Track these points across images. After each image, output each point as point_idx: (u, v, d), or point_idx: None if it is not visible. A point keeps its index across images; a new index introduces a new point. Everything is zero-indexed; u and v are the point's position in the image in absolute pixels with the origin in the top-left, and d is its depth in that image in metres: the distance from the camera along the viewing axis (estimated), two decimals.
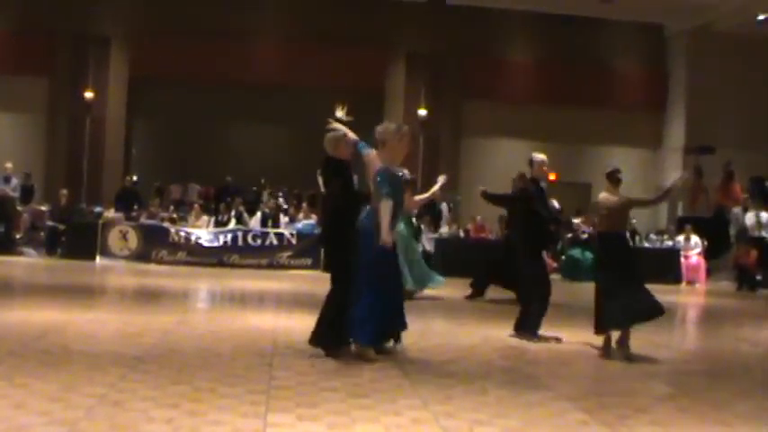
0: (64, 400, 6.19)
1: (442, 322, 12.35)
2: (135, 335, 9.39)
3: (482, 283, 15.55)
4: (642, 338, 10.44)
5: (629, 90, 28.73)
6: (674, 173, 27.79)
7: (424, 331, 10.66)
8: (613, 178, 10.17)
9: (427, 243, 21.19)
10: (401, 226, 13.10)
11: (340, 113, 9.84)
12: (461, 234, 23.41)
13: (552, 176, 28.39)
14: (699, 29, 27.55)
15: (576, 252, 21.87)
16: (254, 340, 9.45)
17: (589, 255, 20.65)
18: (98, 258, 20.72)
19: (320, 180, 9.18)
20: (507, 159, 24.90)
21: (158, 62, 26.27)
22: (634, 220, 24.31)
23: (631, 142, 28.57)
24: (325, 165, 8.96)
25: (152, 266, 20.15)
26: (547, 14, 27.39)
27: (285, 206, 24.04)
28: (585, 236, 21.74)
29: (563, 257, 22.57)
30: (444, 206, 23.83)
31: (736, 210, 24.22)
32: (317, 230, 21.19)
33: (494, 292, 15.49)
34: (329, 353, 8.55)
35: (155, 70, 26.51)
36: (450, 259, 20.62)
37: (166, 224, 21.95)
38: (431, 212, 22.71)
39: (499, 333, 10.85)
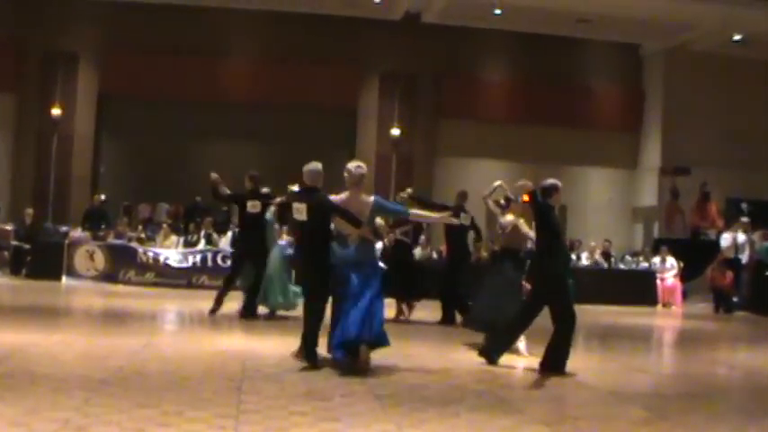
0: (26, 425, 6.12)
1: (416, 345, 12.32)
2: (101, 357, 9.31)
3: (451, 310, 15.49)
4: (618, 362, 10.44)
5: (605, 110, 28.88)
6: (650, 193, 28.01)
7: (397, 354, 10.62)
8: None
9: None
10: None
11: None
12: (434, 256, 23.37)
13: (526, 198, 28.48)
14: (675, 48, 27.77)
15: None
16: (223, 363, 9.40)
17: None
18: (64, 279, 20.57)
19: (300, 208, 9.62)
20: (483, 180, 24.72)
21: (128, 79, 26.16)
22: (608, 242, 24.49)
23: (607, 163, 28.71)
24: (315, 196, 9.69)
25: (119, 287, 20.01)
26: (523, 34, 27.50)
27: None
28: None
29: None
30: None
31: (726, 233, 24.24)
32: (289, 252, 21.11)
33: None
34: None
35: (124, 87, 26.40)
36: (424, 281, 20.53)
37: (134, 244, 21.83)
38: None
39: (472, 356, 10.82)
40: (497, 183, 12.47)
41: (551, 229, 10.13)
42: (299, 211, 9.66)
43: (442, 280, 15.65)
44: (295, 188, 10.81)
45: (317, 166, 9.92)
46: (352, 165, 9.99)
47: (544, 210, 10.18)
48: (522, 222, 11.93)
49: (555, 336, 9.90)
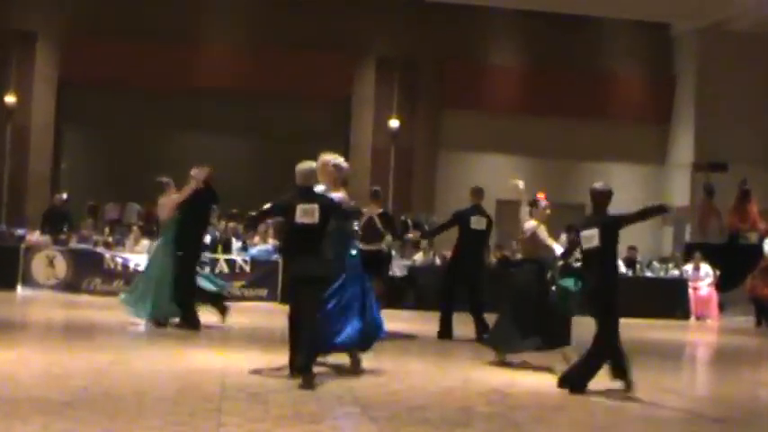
0: None
1: (417, 362, 12.29)
2: (62, 376, 9.27)
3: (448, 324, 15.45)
4: (646, 381, 10.43)
5: (630, 98, 28.81)
6: (681, 192, 27.88)
7: (396, 372, 10.61)
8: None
9: (398, 271, 21.14)
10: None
11: None
12: (437, 261, 23.35)
13: (541, 196, 28.48)
14: (710, 28, 27.53)
15: (569, 282, 21.80)
16: (200, 381, 9.38)
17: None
18: (20, 288, 20.51)
19: (311, 210, 9.80)
20: (490, 176, 24.90)
21: (92, 63, 26.08)
22: (633, 248, 24.32)
23: (632, 158, 28.61)
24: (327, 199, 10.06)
25: (84, 298, 19.96)
26: (536, 13, 27.45)
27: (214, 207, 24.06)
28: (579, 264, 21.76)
29: (554, 288, 22.53)
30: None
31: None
32: (276, 257, 21.14)
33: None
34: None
35: (89, 72, 26.33)
36: (425, 290, 20.60)
37: (101, 249, 21.77)
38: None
39: (481, 374, 10.79)
40: (519, 183, 12.53)
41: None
42: (308, 213, 9.73)
43: (441, 289, 15.62)
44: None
45: (311, 165, 10.10)
46: (337, 159, 10.35)
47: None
48: (542, 229, 11.97)
49: (588, 354, 9.99)
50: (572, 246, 12.07)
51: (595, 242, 10.02)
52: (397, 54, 27.82)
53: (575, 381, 9.87)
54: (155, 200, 15.42)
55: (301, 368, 9.41)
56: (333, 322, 10.18)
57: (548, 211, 12.40)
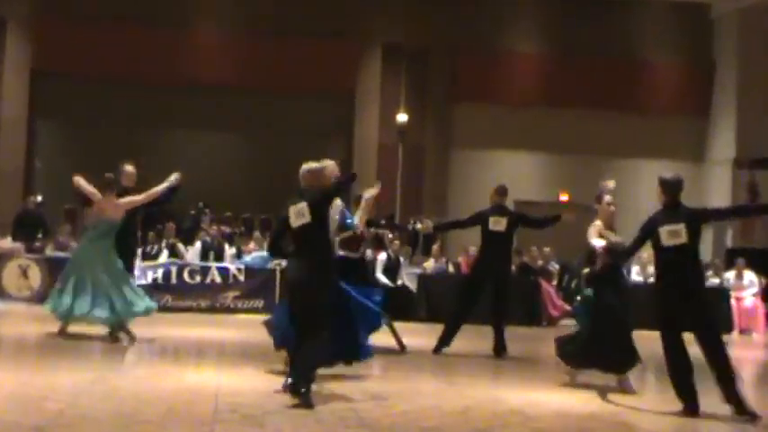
0: None
1: (429, 380, 12.24)
2: (36, 399, 9.22)
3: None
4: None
5: (663, 88, 28.76)
6: (721, 192, 27.73)
7: (407, 391, 10.55)
8: None
9: (407, 279, 21.09)
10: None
11: None
12: (450, 269, 23.33)
13: (564, 197, 28.56)
14: (754, 8, 27.42)
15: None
16: (190, 402, 9.34)
17: None
18: None
19: (301, 210, 9.89)
20: (508, 175, 24.83)
21: (69, 51, 26.12)
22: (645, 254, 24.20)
23: (666, 154, 28.51)
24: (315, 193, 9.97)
25: None
26: None
27: (206, 211, 24.07)
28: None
29: (578, 298, 22.51)
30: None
31: None
32: (271, 265, 21.11)
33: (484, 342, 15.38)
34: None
35: (65, 61, 26.37)
36: (437, 300, 20.54)
37: None
38: (411, 240, 22.70)
39: (499, 393, 10.73)
40: (609, 184, 12.48)
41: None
42: (300, 214, 9.84)
43: (456, 297, 15.55)
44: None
45: (310, 165, 10.13)
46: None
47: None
48: (595, 225, 11.91)
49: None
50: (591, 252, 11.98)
51: (683, 238, 9.90)
52: (405, 42, 27.83)
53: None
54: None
55: (293, 387, 9.39)
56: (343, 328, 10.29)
57: (612, 208, 12.25)
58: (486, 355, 14.75)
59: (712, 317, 10.21)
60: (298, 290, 9.91)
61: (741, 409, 9.82)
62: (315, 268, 9.74)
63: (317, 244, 9.85)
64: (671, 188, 10.16)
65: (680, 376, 9.98)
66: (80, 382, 10.27)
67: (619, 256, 11.15)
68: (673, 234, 9.90)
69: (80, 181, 14.85)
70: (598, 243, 11.48)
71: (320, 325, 9.65)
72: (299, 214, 9.82)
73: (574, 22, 28.06)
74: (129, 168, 15.35)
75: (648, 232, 10.12)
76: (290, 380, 9.54)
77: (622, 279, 11.95)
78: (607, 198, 12.10)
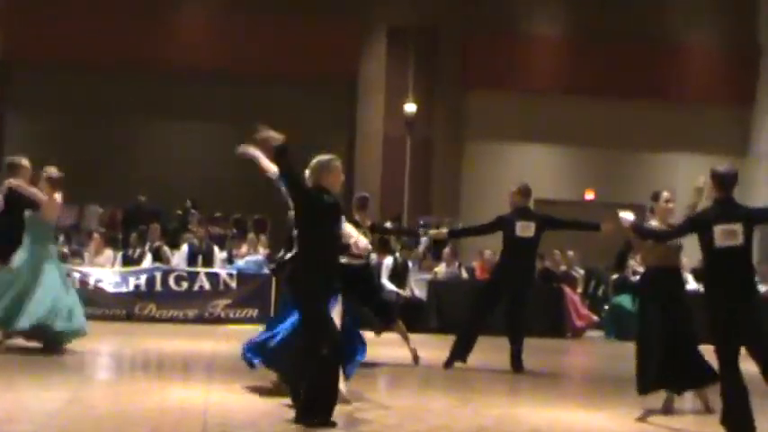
0: None
1: (441, 397, 12.20)
2: (4, 422, 9.17)
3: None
4: None
5: (700, 75, 28.72)
6: (767, 189, 27.62)
7: (415, 409, 10.51)
8: None
9: (416, 286, 21.04)
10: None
11: None
12: (464, 274, 23.27)
13: (590, 195, 28.52)
14: None
15: (625, 300, 21.77)
16: (176, 423, 9.33)
17: None
18: None
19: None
20: (525, 171, 24.85)
21: (40, 39, 26.11)
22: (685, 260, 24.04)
23: (705, 147, 28.42)
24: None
25: None
26: None
27: (193, 210, 24.04)
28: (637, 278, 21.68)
29: (606, 307, 22.48)
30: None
31: None
32: (268, 269, 21.08)
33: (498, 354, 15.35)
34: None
35: (35, 49, 26.36)
36: (449, 309, 20.47)
37: None
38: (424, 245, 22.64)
39: (517, 411, 10.68)
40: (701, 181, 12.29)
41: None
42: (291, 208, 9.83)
43: (471, 306, 15.47)
44: None
45: (318, 158, 9.89)
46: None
47: None
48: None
49: None
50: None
51: (740, 240, 9.71)
52: (412, 24, 27.79)
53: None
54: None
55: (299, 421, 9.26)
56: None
57: (670, 205, 11.94)
58: (503, 369, 14.70)
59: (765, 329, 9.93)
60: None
61: None
62: (296, 270, 9.65)
63: (302, 243, 9.57)
64: (725, 182, 9.83)
65: (731, 399, 9.60)
66: (54, 402, 10.23)
67: (647, 234, 10.89)
68: (728, 234, 9.64)
69: (18, 184, 14.62)
70: (626, 216, 11.14)
71: (312, 338, 9.33)
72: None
73: (598, 1, 27.98)
74: (26, 162, 15.08)
75: (699, 226, 9.85)
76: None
77: (675, 285, 11.58)
78: (665, 195, 11.75)
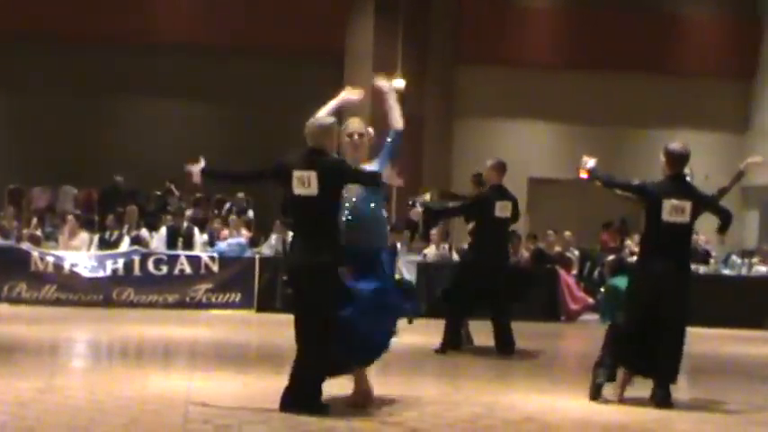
0: None
1: (431, 383, 12.24)
2: None
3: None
4: (731, 411, 10.40)
5: (701, 48, 28.74)
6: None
7: (406, 397, 10.53)
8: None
9: (405, 269, 21.05)
10: None
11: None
12: (454, 256, 23.27)
13: (584, 174, 28.33)
14: None
15: (621, 282, 21.74)
16: (156, 412, 9.32)
17: None
18: None
19: (306, 177, 9.53)
20: (519, 148, 24.93)
21: (10, 12, 25.99)
22: (703, 237, 24.16)
23: (705, 123, 28.54)
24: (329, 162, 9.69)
25: (3, 307, 19.88)
26: None
27: (177, 193, 24.03)
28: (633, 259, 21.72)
29: (602, 290, 22.51)
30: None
31: None
32: (251, 252, 21.12)
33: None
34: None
35: (4, 24, 26.25)
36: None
37: (26, 245, 21.68)
38: (412, 226, 22.68)
39: (511, 398, 10.71)
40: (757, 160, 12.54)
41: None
42: (304, 182, 9.48)
43: (453, 288, 15.54)
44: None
45: (326, 120, 9.93)
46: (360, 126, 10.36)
47: None
48: None
49: None
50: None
51: (687, 218, 10.38)
52: None
53: None
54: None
55: (284, 404, 9.34)
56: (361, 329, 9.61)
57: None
58: (497, 355, 14.72)
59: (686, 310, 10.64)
60: (297, 275, 9.68)
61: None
62: (316, 253, 9.41)
63: (323, 222, 9.51)
64: (678, 160, 10.62)
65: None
66: (26, 391, 10.22)
67: (605, 182, 11.37)
68: (677, 210, 10.35)
69: None
70: (589, 161, 11.51)
71: (319, 326, 9.35)
72: (303, 182, 9.50)
73: None
74: None
75: (649, 195, 10.64)
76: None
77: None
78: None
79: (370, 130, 10.44)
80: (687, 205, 10.34)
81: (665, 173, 10.69)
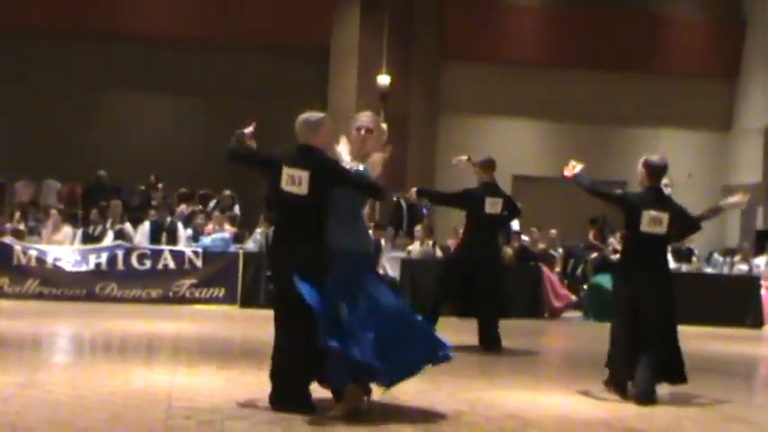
0: None
1: (413, 380, 12.24)
2: None
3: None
4: (708, 407, 10.43)
5: (685, 48, 28.79)
6: (751, 165, 27.78)
7: (389, 393, 10.54)
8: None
9: (389, 265, 21.07)
10: None
11: None
12: (438, 253, 23.29)
13: (568, 172, 28.31)
14: None
15: (604, 280, 21.82)
16: (138, 407, 9.32)
17: None
18: None
19: (297, 176, 9.37)
20: (505, 146, 24.92)
21: None
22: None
23: (688, 122, 28.61)
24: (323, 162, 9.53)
25: None
26: None
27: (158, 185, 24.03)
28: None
29: (585, 287, 22.55)
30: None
31: None
32: (235, 248, 21.13)
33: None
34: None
35: None
36: (423, 288, 20.51)
37: (9, 239, 21.66)
38: (396, 222, 22.67)
39: (493, 395, 10.73)
40: None
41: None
42: (295, 181, 9.34)
43: (437, 283, 15.60)
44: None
45: (317, 115, 9.82)
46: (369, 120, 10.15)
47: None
48: None
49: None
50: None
51: (664, 229, 10.77)
52: None
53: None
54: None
55: (275, 402, 9.30)
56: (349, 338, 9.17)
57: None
58: (478, 352, 14.75)
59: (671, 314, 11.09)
60: (281, 276, 9.38)
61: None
62: (304, 251, 9.26)
63: (313, 223, 9.32)
64: (657, 172, 11.01)
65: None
66: (7, 386, 10.21)
67: (586, 187, 11.61)
68: (655, 221, 10.75)
69: None
70: (576, 166, 11.78)
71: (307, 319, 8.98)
72: (293, 180, 9.33)
73: None
74: None
75: (628, 204, 11.07)
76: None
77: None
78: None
79: (384, 125, 10.24)
80: (665, 217, 10.70)
81: (644, 184, 11.05)
